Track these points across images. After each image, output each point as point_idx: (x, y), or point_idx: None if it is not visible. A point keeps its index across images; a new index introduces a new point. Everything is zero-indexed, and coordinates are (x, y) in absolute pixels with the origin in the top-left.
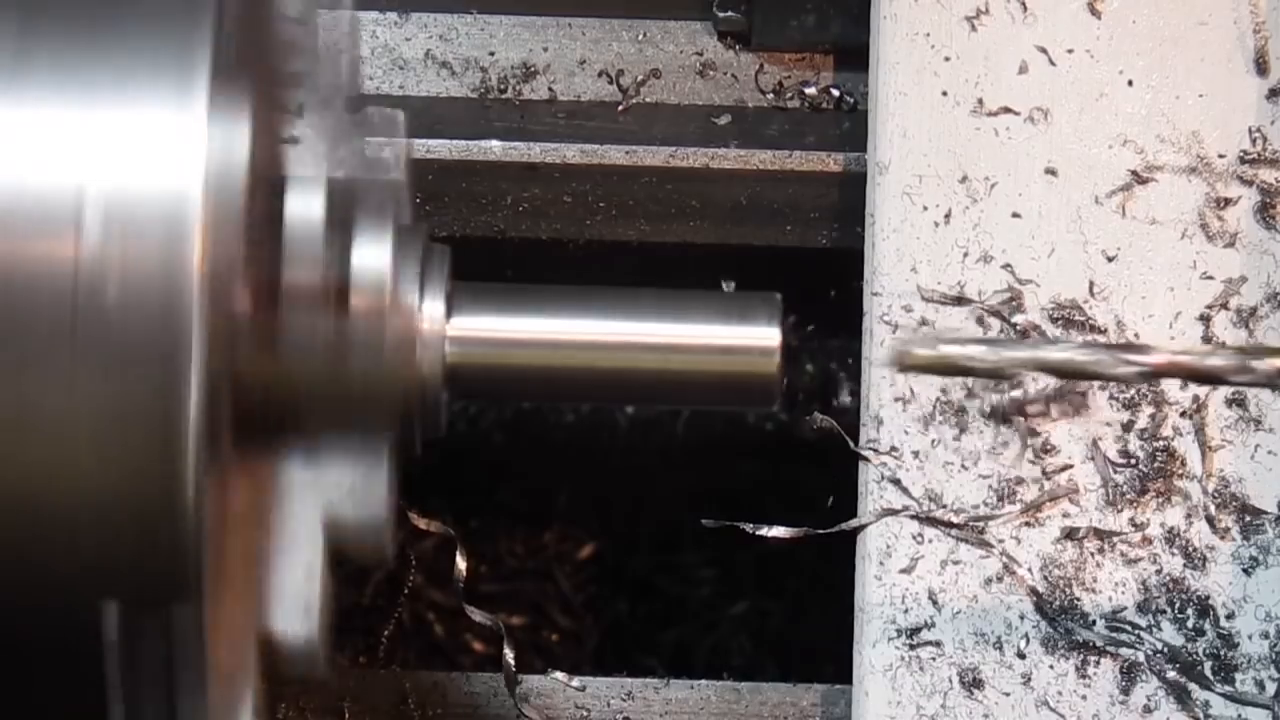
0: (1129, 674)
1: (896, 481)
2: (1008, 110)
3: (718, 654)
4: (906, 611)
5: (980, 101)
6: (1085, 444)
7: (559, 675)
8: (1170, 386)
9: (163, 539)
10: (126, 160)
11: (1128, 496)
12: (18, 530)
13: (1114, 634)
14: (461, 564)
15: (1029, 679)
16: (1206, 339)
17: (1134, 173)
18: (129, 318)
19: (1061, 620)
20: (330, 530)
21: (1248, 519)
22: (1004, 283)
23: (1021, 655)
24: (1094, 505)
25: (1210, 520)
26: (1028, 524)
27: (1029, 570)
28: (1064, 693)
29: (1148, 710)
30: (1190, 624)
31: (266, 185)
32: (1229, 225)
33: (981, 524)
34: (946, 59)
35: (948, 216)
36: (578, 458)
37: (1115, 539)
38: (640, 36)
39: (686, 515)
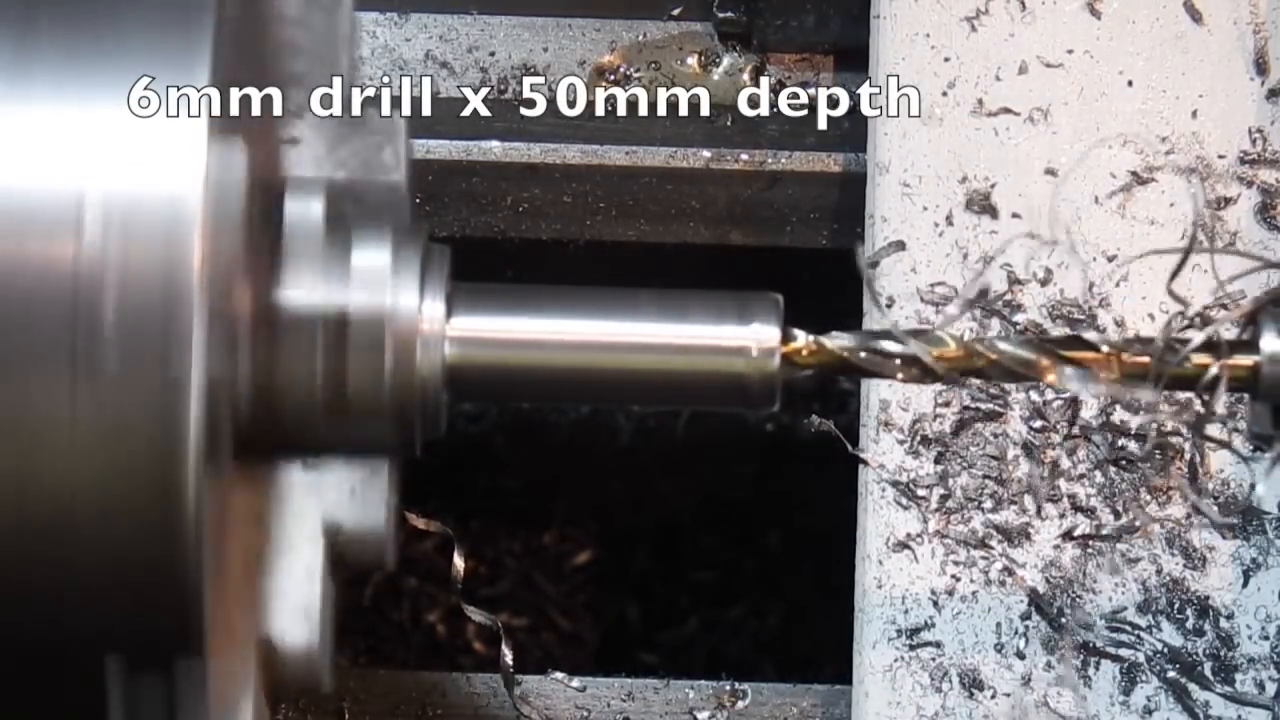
0: (1129, 674)
1: (896, 483)
2: (1008, 110)
3: (717, 654)
4: (906, 611)
5: (980, 101)
6: (1084, 444)
7: (559, 675)
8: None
9: (162, 546)
10: (127, 163)
11: (1128, 496)
12: (14, 537)
13: (1114, 634)
14: (459, 564)
15: (1029, 679)
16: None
17: (1134, 173)
18: (128, 321)
19: (1061, 621)
20: (330, 533)
21: (1247, 519)
22: (1004, 283)
23: (1021, 656)
24: (1094, 506)
25: (1211, 521)
26: (1028, 524)
27: (1029, 570)
28: (1064, 693)
29: (1148, 711)
30: (1190, 624)
31: (266, 188)
32: (1229, 225)
33: (983, 524)
34: (946, 59)
35: (948, 217)
36: (578, 458)
37: (1115, 540)
38: (640, 36)
39: (686, 516)
